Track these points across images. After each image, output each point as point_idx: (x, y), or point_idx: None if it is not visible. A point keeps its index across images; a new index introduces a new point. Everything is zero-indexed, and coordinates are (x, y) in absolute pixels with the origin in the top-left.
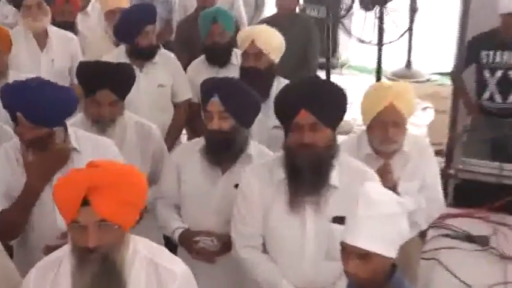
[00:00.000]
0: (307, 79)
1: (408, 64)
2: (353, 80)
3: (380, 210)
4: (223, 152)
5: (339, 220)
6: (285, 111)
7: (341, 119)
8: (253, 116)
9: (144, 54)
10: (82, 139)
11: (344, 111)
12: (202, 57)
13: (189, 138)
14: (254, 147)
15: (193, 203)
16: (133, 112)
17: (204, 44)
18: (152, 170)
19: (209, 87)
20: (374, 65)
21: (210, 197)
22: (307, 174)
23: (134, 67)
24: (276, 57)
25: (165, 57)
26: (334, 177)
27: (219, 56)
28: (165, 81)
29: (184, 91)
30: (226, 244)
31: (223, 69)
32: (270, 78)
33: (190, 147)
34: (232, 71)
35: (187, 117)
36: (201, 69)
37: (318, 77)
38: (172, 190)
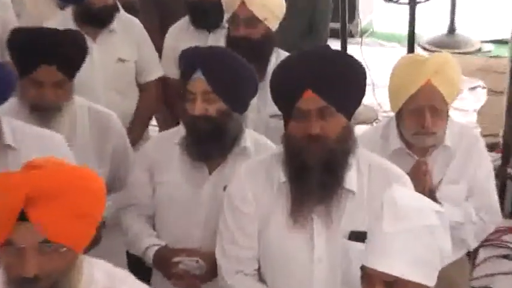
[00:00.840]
0: (314, 50)
1: (451, 29)
2: (377, 52)
3: (412, 224)
4: (210, 144)
5: (358, 236)
6: (285, 93)
7: (359, 102)
8: (249, 96)
9: (97, 19)
10: (19, 133)
11: (363, 92)
12: (186, 19)
13: (162, 129)
14: (250, 137)
15: (172, 212)
16: (85, 96)
17: (188, 0)
18: (112, 172)
19: (190, 60)
20: (405, 32)
21: (194, 204)
22: (314, 176)
23: (85, 36)
24: (274, 23)
25: (127, 23)
26: (351, 179)
27: (208, 14)
28: (126, 55)
29: (153, 67)
30: (214, 266)
31: (213, 35)
32: (267, 51)
33: (167, 139)
34: (223, 36)
35: (166, 100)
36: (184, 35)
37: (328, 47)
38: (143, 196)
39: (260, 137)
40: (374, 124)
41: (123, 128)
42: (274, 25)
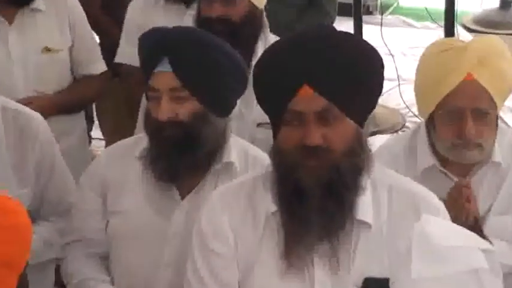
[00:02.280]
0: (312, 31)
1: (505, 3)
2: (404, 34)
3: (452, 268)
4: (182, 159)
5: (375, 285)
6: (273, 91)
7: (374, 103)
8: (234, 94)
9: None
10: None
11: (379, 89)
12: None
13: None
14: (237, 148)
15: (133, 250)
16: None
17: None
18: (37, 194)
19: (153, 46)
20: (441, 7)
21: (161, 239)
22: (314, 203)
23: None
24: (260, 0)
25: None
26: (365, 207)
27: None
28: (56, 42)
29: (95, 58)
30: None
31: (192, 10)
32: (251, 37)
33: (124, 152)
34: None
35: (127, 97)
36: (151, 10)
37: (330, 27)
38: (92, 229)
39: (250, 148)
40: (397, 134)
41: (51, 135)
42: (260, 1)
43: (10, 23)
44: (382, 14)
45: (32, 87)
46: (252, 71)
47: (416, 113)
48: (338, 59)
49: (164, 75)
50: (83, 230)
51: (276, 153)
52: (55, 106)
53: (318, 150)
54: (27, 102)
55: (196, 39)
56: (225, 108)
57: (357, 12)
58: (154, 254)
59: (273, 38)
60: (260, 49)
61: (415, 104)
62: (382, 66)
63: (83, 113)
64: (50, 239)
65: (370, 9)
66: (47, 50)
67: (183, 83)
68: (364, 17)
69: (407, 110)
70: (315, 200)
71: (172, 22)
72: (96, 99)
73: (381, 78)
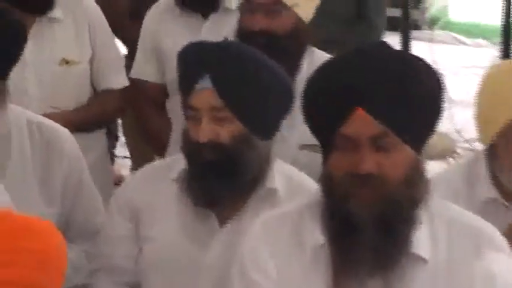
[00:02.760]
0: (366, 49)
1: None
2: (454, 52)
3: None
4: (222, 183)
5: None
6: (324, 113)
7: (433, 127)
8: (279, 114)
9: (31, 1)
10: None
11: (440, 113)
12: None
13: (136, 162)
14: (281, 174)
15: (166, 280)
16: None
17: None
18: (64, 215)
19: (193, 61)
20: (496, 22)
21: (197, 270)
22: (367, 236)
23: None
24: (307, 10)
25: (76, 6)
26: (421, 242)
27: None
28: (75, 54)
29: (116, 71)
30: None
31: (211, 21)
32: (296, 52)
33: (159, 174)
34: (229, 23)
35: (139, 116)
36: (168, 20)
37: (386, 45)
38: (122, 257)
39: (295, 173)
40: (450, 160)
41: (79, 149)
42: (307, 13)
43: (28, 30)
44: (431, 29)
45: (48, 102)
46: (296, 90)
47: (468, 138)
48: (395, 79)
49: (204, 93)
50: (111, 257)
51: (326, 181)
52: (70, 124)
53: (372, 178)
54: None
55: (240, 55)
56: (269, 130)
57: (405, 27)
58: (189, 286)
59: (319, 54)
60: (305, 65)
61: (467, 129)
62: (444, 89)
63: (104, 130)
64: (78, 263)
65: (418, 24)
66: (65, 62)
67: (225, 102)
68: (412, 32)
69: (458, 134)
70: (368, 234)
71: (188, 35)
72: (118, 116)
73: (441, 101)
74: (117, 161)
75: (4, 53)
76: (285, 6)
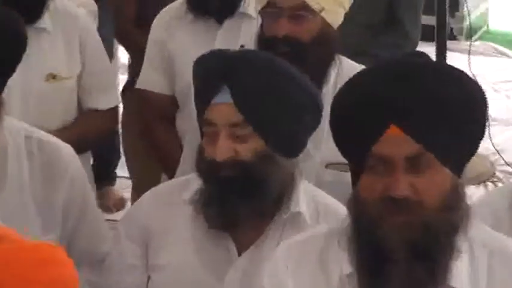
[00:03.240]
0: (403, 60)
1: None
2: (494, 65)
3: None
4: (241, 205)
5: None
6: (355, 130)
7: (475, 149)
8: (305, 131)
9: (18, 10)
10: None
11: (482, 133)
12: (181, 0)
13: (139, 186)
14: (307, 195)
15: None
16: None
17: None
18: (65, 241)
19: (211, 71)
20: None
21: None
22: (401, 267)
23: None
24: (336, 16)
25: (65, 15)
26: (460, 273)
27: None
28: (63, 68)
29: (106, 89)
30: None
31: (226, 28)
32: (324, 61)
33: (171, 194)
34: (247, 31)
35: (146, 131)
36: (178, 27)
37: (425, 57)
38: (130, 285)
39: (320, 195)
40: (489, 183)
41: (83, 170)
42: (336, 19)
43: None
44: (469, 40)
45: (31, 121)
46: (324, 103)
47: (509, 160)
48: (435, 95)
49: (223, 107)
50: (118, 286)
51: (356, 204)
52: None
53: (407, 203)
54: None
55: (263, 65)
56: (294, 147)
57: (441, 37)
58: None
59: (348, 64)
60: (333, 75)
61: (508, 149)
62: (487, 105)
63: (88, 154)
64: None
65: (454, 34)
66: (52, 77)
67: (246, 117)
68: (449, 43)
69: (498, 156)
70: (401, 264)
71: (200, 42)
72: (103, 140)
73: (484, 119)
74: (118, 181)
75: (3, 63)
76: (311, 11)
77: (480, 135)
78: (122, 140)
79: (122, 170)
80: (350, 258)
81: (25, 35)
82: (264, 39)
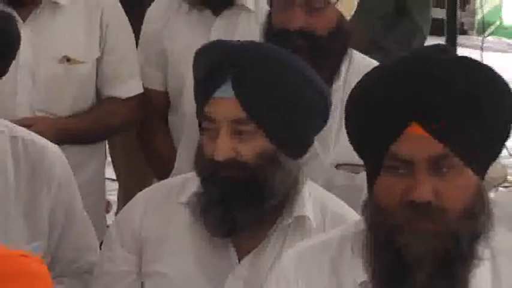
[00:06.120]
0: (425, 54)
1: None
2: (508, 61)
3: None
4: (242, 209)
5: None
6: (371, 129)
7: (500, 150)
8: (313, 130)
9: None
10: None
11: (508, 133)
12: None
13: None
14: (314, 199)
15: None
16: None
17: None
18: (50, 248)
19: (212, 63)
20: None
21: None
22: (421, 277)
23: None
24: (350, 7)
25: None
26: (482, 281)
27: None
28: (79, 50)
29: (128, 76)
30: None
31: (223, 19)
32: (339, 54)
33: (168, 195)
34: (244, 24)
35: (141, 130)
36: (172, 19)
37: (447, 51)
38: None
39: (329, 198)
40: (501, 189)
41: (71, 173)
42: (350, 9)
43: (24, 20)
44: (482, 35)
45: (40, 105)
46: (334, 99)
47: None
48: (461, 92)
49: (225, 102)
50: None
51: (373, 209)
52: (61, 134)
53: (430, 208)
54: (26, 124)
55: (270, 58)
56: (300, 147)
57: (451, 31)
58: None
59: (359, 58)
60: (344, 71)
61: None
62: None
63: (102, 144)
64: None
65: (465, 29)
66: (67, 59)
67: (249, 113)
68: (459, 38)
69: (511, 159)
70: (422, 274)
71: (196, 35)
72: (125, 130)
73: (510, 117)
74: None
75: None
76: (327, 1)
77: (506, 136)
78: (108, 140)
79: (107, 171)
80: (365, 266)
81: (17, 34)
82: (274, 32)
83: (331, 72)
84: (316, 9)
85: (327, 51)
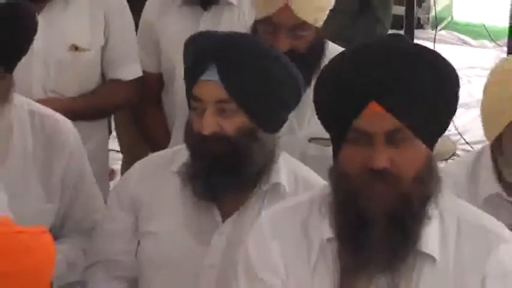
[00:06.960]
0: (383, 41)
1: None
2: (458, 53)
3: None
4: (225, 177)
5: None
6: (337, 106)
7: (447, 125)
8: (286, 108)
9: None
10: None
11: (454, 109)
12: None
13: (129, 159)
14: (286, 168)
15: (166, 277)
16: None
17: None
18: (62, 210)
19: (200, 51)
20: (503, 23)
21: (198, 266)
22: (377, 232)
23: None
24: (323, 18)
25: None
26: (430, 239)
27: None
28: (86, 40)
29: (129, 60)
30: None
31: (211, 14)
32: (317, 57)
33: (159, 166)
34: (228, 17)
35: (136, 109)
36: (167, 12)
37: (403, 39)
38: (120, 250)
39: (301, 168)
40: (450, 161)
41: (81, 143)
42: (323, 19)
43: (38, 12)
44: (435, 29)
45: (51, 87)
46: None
47: (469, 140)
48: (412, 73)
49: (210, 84)
50: (109, 251)
51: (337, 175)
52: (69, 112)
53: (385, 174)
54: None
55: (249, 46)
56: (275, 123)
57: (409, 26)
58: (190, 283)
59: (332, 47)
60: (324, 63)
61: (468, 131)
62: (459, 85)
63: (105, 120)
64: (74, 260)
65: (422, 23)
66: (75, 48)
67: (230, 94)
68: (416, 32)
69: (459, 136)
70: (379, 229)
71: (186, 26)
72: (125, 107)
73: (457, 96)
74: (110, 154)
75: (14, 46)
76: (308, 26)
77: (452, 113)
78: (114, 116)
79: (113, 143)
80: (331, 224)
81: (35, 20)
82: None
83: (308, 74)
84: (299, 34)
85: (307, 61)
